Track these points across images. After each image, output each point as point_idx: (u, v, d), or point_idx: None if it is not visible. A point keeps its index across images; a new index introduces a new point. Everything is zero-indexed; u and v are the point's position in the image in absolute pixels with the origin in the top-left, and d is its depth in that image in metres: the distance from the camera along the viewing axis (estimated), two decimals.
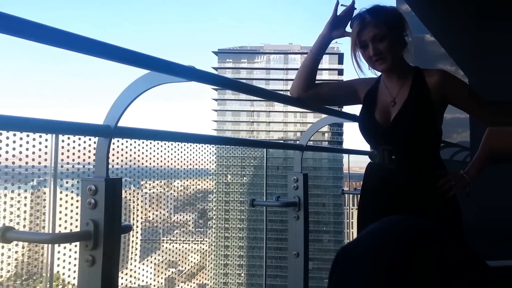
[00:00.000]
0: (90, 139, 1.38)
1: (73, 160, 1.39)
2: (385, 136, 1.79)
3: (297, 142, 2.45)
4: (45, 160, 1.30)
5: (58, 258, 1.41)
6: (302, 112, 60.51)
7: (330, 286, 0.68)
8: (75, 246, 1.24)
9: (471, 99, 1.81)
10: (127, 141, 1.62)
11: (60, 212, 1.39)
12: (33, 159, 1.31)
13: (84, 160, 1.39)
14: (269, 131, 67.85)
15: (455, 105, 1.82)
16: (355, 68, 1.83)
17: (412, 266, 0.61)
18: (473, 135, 4.41)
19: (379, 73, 1.87)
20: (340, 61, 66.49)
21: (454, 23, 4.59)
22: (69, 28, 1.15)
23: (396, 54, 1.75)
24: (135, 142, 1.69)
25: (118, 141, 1.54)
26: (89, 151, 1.35)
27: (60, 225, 1.38)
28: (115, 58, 1.15)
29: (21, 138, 1.23)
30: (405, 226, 0.68)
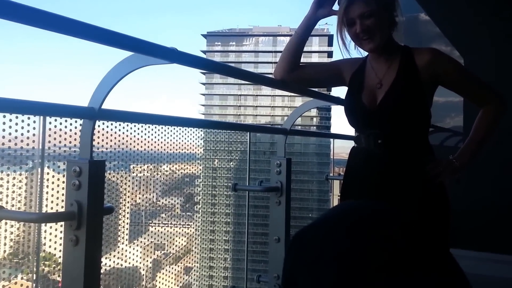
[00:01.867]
0: (76, 121, 1.40)
1: (60, 142, 1.42)
2: (371, 120, 1.70)
3: (281, 126, 2.42)
4: (33, 141, 1.33)
5: (50, 240, 1.45)
6: (290, 96, 60.26)
7: (286, 269, 0.73)
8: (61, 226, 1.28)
9: (465, 79, 1.71)
10: (115, 126, 1.64)
11: (47, 193, 1.43)
12: (22, 141, 1.34)
13: (70, 142, 1.42)
14: (256, 115, 67.63)
15: (447, 86, 1.71)
16: (340, 48, 1.74)
17: (359, 251, 0.63)
18: (467, 119, 4.34)
19: (365, 54, 1.78)
20: (330, 43, 64.69)
21: (449, 1, 4.55)
22: (51, 7, 1.14)
23: (384, 33, 1.66)
24: (124, 126, 1.71)
25: (107, 126, 1.57)
26: (75, 133, 1.38)
27: (46, 205, 1.42)
28: (97, 39, 1.15)
29: (10, 120, 1.25)
30: (357, 212, 0.71)
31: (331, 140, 4.02)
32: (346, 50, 1.75)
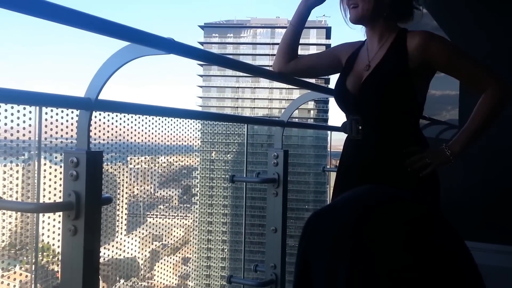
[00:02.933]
0: (72, 112, 1.40)
1: (56, 133, 1.42)
2: (354, 104, 1.65)
3: (279, 118, 2.44)
4: (29, 132, 1.33)
5: (48, 230, 1.46)
6: (287, 88, 60.15)
7: (302, 243, 0.72)
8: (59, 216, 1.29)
9: (461, 64, 1.58)
10: (112, 117, 1.65)
11: (44, 183, 1.44)
12: (18, 131, 1.34)
13: (67, 133, 1.43)
14: (254, 107, 67.59)
15: (442, 71, 1.61)
16: (343, 18, 1.69)
17: (377, 231, 0.63)
18: (463, 112, 4.33)
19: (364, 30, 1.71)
20: (328, 36, 64.18)
21: None
22: None
23: (373, 7, 1.58)
24: (121, 117, 1.72)
25: (104, 117, 1.57)
26: (72, 124, 1.38)
27: (44, 196, 1.43)
28: (94, 29, 1.15)
29: (6, 110, 1.26)
30: (379, 195, 0.70)
31: (329, 132, 4.04)
32: (347, 19, 1.68)
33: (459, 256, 0.65)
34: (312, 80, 2.46)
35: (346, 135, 1.77)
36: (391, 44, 1.61)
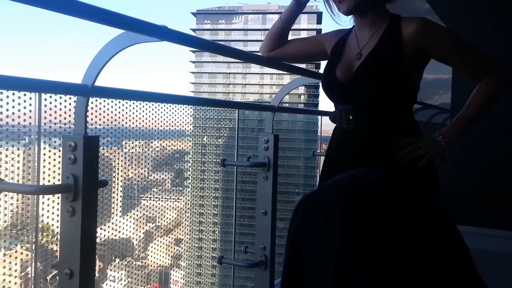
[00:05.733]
0: (70, 98, 1.45)
1: (55, 118, 1.47)
2: (344, 94, 1.59)
3: (269, 103, 2.47)
4: (30, 117, 1.39)
5: (48, 211, 1.52)
6: (278, 74, 59.75)
7: (292, 225, 0.73)
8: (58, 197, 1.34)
9: (458, 52, 1.52)
10: (108, 103, 1.69)
11: (44, 167, 1.49)
12: (19, 117, 1.39)
13: (65, 118, 1.48)
14: (245, 93, 67.26)
15: (438, 60, 1.54)
16: (327, 11, 1.64)
17: (366, 213, 0.63)
18: (455, 96, 4.40)
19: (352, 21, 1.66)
20: (319, 21, 63.63)
21: None
22: None
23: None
24: (116, 103, 1.76)
25: (100, 103, 1.61)
26: (70, 110, 1.43)
27: (44, 179, 1.49)
28: (89, 17, 1.18)
29: (7, 97, 1.30)
30: (370, 176, 0.70)
31: (319, 117, 4.07)
32: (333, 13, 1.64)
33: (450, 239, 0.65)
34: (303, 65, 2.49)
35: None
36: (384, 31, 1.54)
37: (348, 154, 1.61)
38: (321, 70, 1.88)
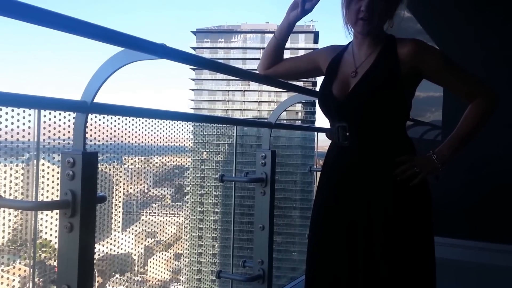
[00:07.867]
0: (69, 115, 1.46)
1: (54, 134, 1.48)
2: (341, 111, 1.61)
3: (267, 120, 2.50)
4: (29, 134, 1.40)
5: (46, 227, 1.52)
6: (276, 91, 60.20)
7: None
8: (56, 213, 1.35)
9: (451, 74, 1.59)
10: (107, 120, 1.71)
11: (43, 183, 1.50)
12: (18, 133, 1.40)
13: (64, 135, 1.49)
14: (243, 110, 67.96)
15: (431, 81, 1.60)
16: (346, 29, 1.64)
17: None
18: (446, 114, 4.49)
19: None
20: (316, 40, 64.34)
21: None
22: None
23: (382, 21, 1.58)
24: (116, 119, 1.77)
25: (99, 119, 1.63)
26: (69, 126, 1.44)
27: (42, 195, 1.50)
28: (89, 35, 1.18)
29: (6, 113, 1.32)
30: None
31: (315, 133, 4.10)
32: (348, 29, 1.64)
33: None
34: (300, 83, 2.53)
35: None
36: (380, 51, 1.59)
37: (344, 170, 1.64)
38: (317, 88, 1.92)
